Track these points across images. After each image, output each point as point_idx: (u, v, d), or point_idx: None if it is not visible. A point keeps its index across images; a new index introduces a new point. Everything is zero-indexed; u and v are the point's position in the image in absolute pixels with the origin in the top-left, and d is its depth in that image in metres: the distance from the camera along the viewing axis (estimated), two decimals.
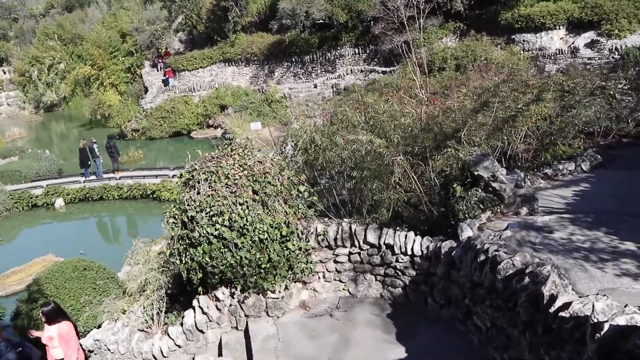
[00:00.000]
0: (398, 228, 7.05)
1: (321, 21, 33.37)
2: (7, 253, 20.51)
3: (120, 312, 8.66)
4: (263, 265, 6.81)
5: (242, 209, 6.62)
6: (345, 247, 7.24)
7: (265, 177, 6.98)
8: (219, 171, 6.80)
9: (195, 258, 6.73)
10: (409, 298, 7.00)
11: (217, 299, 7.28)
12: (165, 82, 38.30)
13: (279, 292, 7.26)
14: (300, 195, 7.48)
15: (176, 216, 6.81)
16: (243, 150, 7.27)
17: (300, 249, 7.12)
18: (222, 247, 6.66)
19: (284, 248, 6.96)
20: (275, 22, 34.33)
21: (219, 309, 7.33)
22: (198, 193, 6.66)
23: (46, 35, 57.42)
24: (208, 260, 6.65)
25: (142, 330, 8.34)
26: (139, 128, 35.40)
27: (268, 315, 7.28)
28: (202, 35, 41.08)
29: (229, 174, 6.80)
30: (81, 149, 25.09)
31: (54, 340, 7.55)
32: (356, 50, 33.38)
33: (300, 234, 7.26)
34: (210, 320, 7.33)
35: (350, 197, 8.44)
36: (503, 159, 9.12)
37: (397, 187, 7.31)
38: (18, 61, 57.49)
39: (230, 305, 7.36)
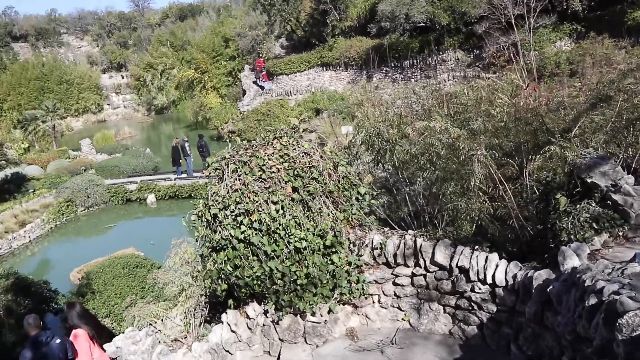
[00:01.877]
0: (477, 247, 5.37)
1: (422, 24, 31.53)
2: (99, 243, 21.11)
3: (154, 318, 7.76)
4: (299, 281, 5.48)
5: (275, 209, 5.34)
6: (408, 266, 5.69)
7: (310, 173, 5.65)
8: (252, 161, 5.58)
9: (217, 265, 5.56)
10: (485, 341, 5.29)
11: (248, 316, 6.05)
12: (261, 86, 38.60)
13: (321, 315, 5.87)
14: (360, 198, 6.06)
15: (201, 214, 5.68)
16: (287, 139, 6.00)
17: (349, 264, 5.70)
18: (250, 255, 5.42)
19: (328, 261, 5.58)
20: (374, 25, 33.04)
21: (250, 328, 6.09)
22: (226, 187, 5.49)
23: (160, 42, 60.83)
24: (230, 268, 5.44)
25: (176, 341, 7.37)
26: (235, 130, 35.79)
27: (306, 343, 5.91)
28: (301, 39, 40.90)
29: (264, 165, 5.56)
30: (174, 147, 25.48)
31: None
32: (459, 55, 31.10)
33: (351, 246, 5.83)
34: (239, 341, 6.11)
35: (426, 205, 6.88)
36: (627, 173, 7.04)
37: (480, 193, 5.64)
38: (134, 67, 61.47)
39: (264, 325, 6.09)
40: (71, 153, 37.43)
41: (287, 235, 5.33)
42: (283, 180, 5.51)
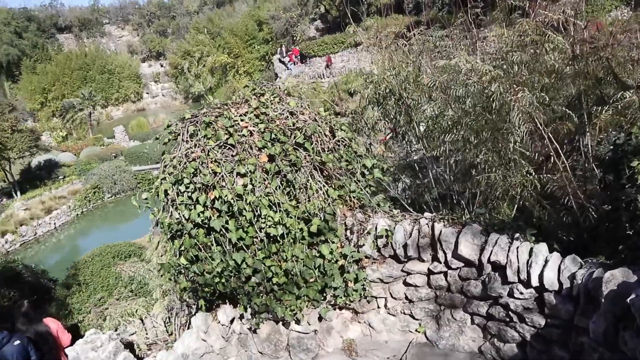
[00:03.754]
0: (518, 236, 3.88)
1: None
2: (123, 232, 20.45)
3: (129, 317, 6.63)
4: (276, 279, 4.14)
5: (242, 184, 4.01)
6: (423, 260, 4.25)
7: (294, 137, 4.28)
8: (217, 123, 4.25)
9: (170, 257, 4.30)
10: None
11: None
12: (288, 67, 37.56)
13: (309, 323, 4.52)
14: (367, 172, 4.67)
15: (156, 191, 4.40)
16: (268, 96, 4.64)
17: (344, 257, 4.31)
18: (212, 244, 4.12)
19: (315, 254, 4.22)
20: (411, 0, 31.16)
21: (224, 337, 4.81)
22: (180, 156, 4.18)
23: (197, 30, 60.37)
24: (185, 261, 4.16)
25: (155, 344, 6.23)
26: None
27: (290, 358, 4.58)
28: (335, 20, 39.35)
29: (232, 127, 4.22)
30: None
31: None
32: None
33: (348, 234, 4.44)
34: (211, 351, 4.84)
35: (453, 183, 5.43)
36: None
37: (522, 162, 4.13)
38: (172, 55, 61.32)
39: (240, 333, 4.81)
40: (105, 140, 37.41)
41: (257, 218, 4.00)
42: (256, 146, 4.16)
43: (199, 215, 3.95)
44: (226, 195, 3.91)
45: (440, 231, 4.11)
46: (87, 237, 22.29)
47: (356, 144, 4.90)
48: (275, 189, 4.06)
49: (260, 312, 4.43)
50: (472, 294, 4.06)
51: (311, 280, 4.28)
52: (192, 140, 4.18)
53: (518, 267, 3.70)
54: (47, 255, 20.78)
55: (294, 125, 4.37)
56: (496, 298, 3.90)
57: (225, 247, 4.08)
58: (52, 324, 6.23)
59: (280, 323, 4.57)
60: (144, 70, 64.63)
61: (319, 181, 4.32)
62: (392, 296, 4.49)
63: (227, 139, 4.15)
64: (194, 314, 5.21)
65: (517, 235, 3.90)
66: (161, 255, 5.62)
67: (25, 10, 64.43)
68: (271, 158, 4.15)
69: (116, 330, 6.57)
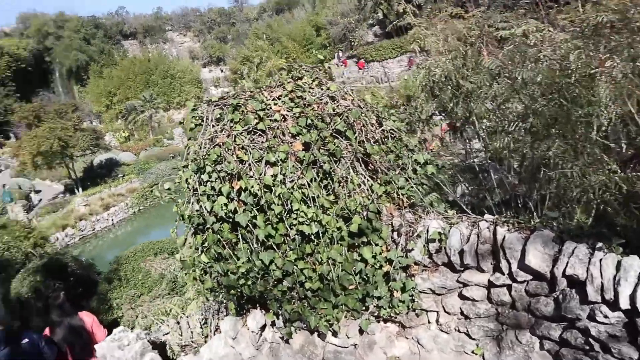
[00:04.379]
0: (601, 246, 3.17)
1: None
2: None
3: (162, 316, 6.29)
4: (309, 284, 3.62)
5: (272, 174, 3.52)
6: (483, 270, 3.60)
7: (333, 123, 3.76)
8: (247, 106, 3.79)
9: (191, 254, 3.86)
10: None
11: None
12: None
13: (347, 336, 3.96)
14: (418, 167, 4.09)
15: (180, 180, 3.99)
16: (307, 79, 4.15)
17: (390, 262, 3.73)
18: (239, 241, 3.66)
19: (355, 257, 3.67)
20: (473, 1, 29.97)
21: (254, 345, 4.34)
22: (204, 141, 3.74)
23: (256, 36, 61.20)
24: (207, 260, 3.71)
25: (187, 347, 5.87)
26: None
27: None
28: (394, 25, 38.61)
29: (264, 110, 3.75)
30: None
31: None
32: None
33: (395, 236, 3.85)
34: (240, 354, 4.38)
35: (519, 183, 4.74)
36: None
37: (605, 157, 3.42)
38: (232, 61, 62.42)
39: (272, 342, 4.32)
40: (165, 141, 38.29)
41: (288, 213, 3.50)
42: (289, 132, 3.67)
43: (222, 208, 3.49)
44: (252, 186, 3.43)
45: (504, 237, 3.46)
46: (142, 233, 22.62)
47: (407, 136, 4.32)
48: (310, 181, 3.55)
49: (293, 321, 3.92)
50: (542, 313, 3.38)
51: (350, 287, 3.73)
52: (217, 125, 3.73)
53: (602, 284, 3.00)
54: (105, 250, 21.21)
55: (334, 110, 3.85)
56: (573, 320, 3.21)
57: (252, 246, 3.60)
58: (87, 318, 5.99)
59: (316, 334, 4.04)
60: (205, 75, 66.14)
61: (362, 174, 3.77)
62: (445, 310, 3.86)
63: (256, 123, 3.68)
64: (223, 318, 4.78)
65: (599, 245, 3.20)
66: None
67: (94, 18, 67.63)
68: (306, 147, 3.64)
69: (148, 329, 6.26)
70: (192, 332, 6.39)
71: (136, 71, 59.84)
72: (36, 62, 58.38)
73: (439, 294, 3.83)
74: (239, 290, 3.76)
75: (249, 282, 3.67)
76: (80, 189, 27.29)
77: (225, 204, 3.49)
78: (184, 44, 74.16)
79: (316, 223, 3.49)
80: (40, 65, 59.44)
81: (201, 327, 6.34)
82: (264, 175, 3.49)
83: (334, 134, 3.76)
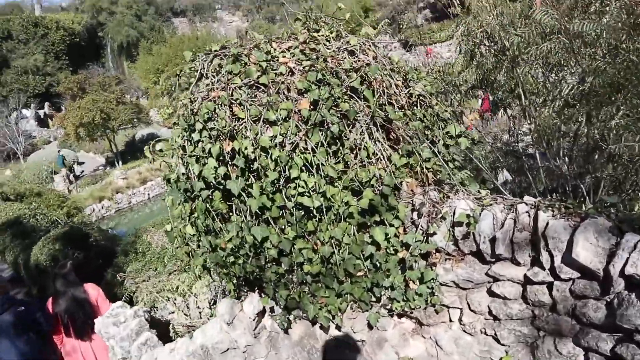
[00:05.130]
0: None
1: None
2: None
3: (173, 293, 5.92)
4: (308, 268, 3.09)
5: (271, 135, 2.98)
6: (519, 263, 2.96)
7: (349, 80, 3.18)
8: (249, 57, 3.25)
9: (177, 225, 3.39)
10: None
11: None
12: None
13: (353, 331, 3.41)
14: (450, 140, 3.48)
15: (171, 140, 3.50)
16: (325, 32, 3.57)
17: (406, 247, 3.14)
18: (232, 212, 3.15)
19: (366, 239, 3.11)
20: None
21: (252, 333, 3.85)
22: (196, 93, 3.23)
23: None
24: (191, 231, 3.23)
25: (192, 327, 5.50)
26: None
27: None
28: (445, 7, 37.18)
29: (269, 62, 3.21)
30: None
31: None
32: None
33: (414, 217, 3.25)
34: (235, 348, 3.91)
35: (570, 165, 4.06)
36: None
37: None
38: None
39: (271, 331, 3.82)
40: None
41: (287, 182, 2.96)
42: (296, 88, 3.11)
43: (211, 172, 2.99)
44: (246, 148, 2.90)
45: (547, 223, 2.81)
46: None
47: (439, 104, 3.69)
48: (316, 145, 2.99)
49: (290, 308, 3.40)
50: (590, 320, 2.73)
51: (358, 273, 3.17)
52: (215, 77, 3.21)
53: None
54: (139, 224, 21.34)
55: (351, 65, 3.26)
56: (630, 332, 2.55)
57: (246, 219, 3.08)
58: (92, 291, 5.69)
59: (317, 325, 3.52)
60: None
61: (380, 142, 3.19)
62: (470, 308, 3.25)
63: (258, 77, 3.14)
64: (220, 300, 4.34)
65: None
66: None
67: None
68: (314, 104, 3.08)
69: (153, 306, 5.90)
70: (200, 312, 6.02)
71: (184, 49, 60.03)
72: (89, 37, 59.65)
73: (463, 288, 3.22)
74: (229, 269, 3.26)
75: (240, 261, 3.16)
76: (120, 162, 27.64)
77: (215, 168, 2.98)
78: (233, 23, 74.17)
79: (319, 195, 2.94)
80: (93, 40, 60.69)
81: (209, 308, 5.96)
82: (261, 135, 2.96)
83: (348, 92, 3.18)
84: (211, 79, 3.16)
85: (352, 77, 3.15)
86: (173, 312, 5.92)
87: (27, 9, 59.03)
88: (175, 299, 6.00)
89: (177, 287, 5.89)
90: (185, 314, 5.92)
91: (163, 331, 5.49)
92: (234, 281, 3.73)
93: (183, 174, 3.13)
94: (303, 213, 3.07)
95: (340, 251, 3.09)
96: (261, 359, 3.90)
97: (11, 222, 10.47)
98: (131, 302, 6.47)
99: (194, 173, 3.07)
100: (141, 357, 4.51)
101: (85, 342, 5.57)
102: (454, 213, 3.10)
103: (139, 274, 6.51)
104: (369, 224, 3.12)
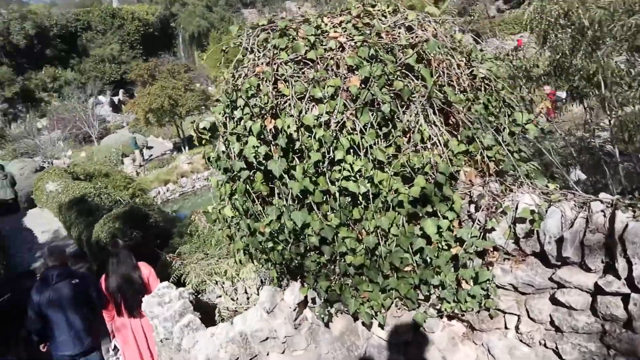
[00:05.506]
0: None
1: None
2: None
3: (221, 276, 5.87)
4: (350, 258, 2.86)
5: (316, 113, 2.77)
6: (589, 268, 2.60)
7: (404, 57, 2.91)
8: (297, 31, 3.05)
9: (216, 206, 3.26)
10: None
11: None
12: None
13: (396, 330, 3.16)
14: (516, 128, 3.15)
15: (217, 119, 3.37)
16: (381, 7, 3.31)
17: (460, 242, 2.84)
18: (268, 194, 2.98)
19: (416, 232, 2.84)
20: None
21: (293, 324, 3.68)
22: (240, 69, 3.07)
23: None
24: (229, 213, 3.08)
25: (237, 313, 5.42)
26: None
27: None
28: None
29: (319, 36, 2.99)
30: None
31: None
32: None
33: (471, 209, 2.95)
34: (275, 337, 3.76)
35: None
36: None
37: None
38: None
39: (312, 323, 3.64)
40: None
41: (331, 164, 2.75)
42: (346, 64, 2.88)
43: (251, 151, 2.82)
44: (289, 126, 2.71)
45: (627, 225, 2.43)
46: None
47: (506, 88, 3.35)
48: (365, 126, 2.75)
49: (331, 301, 3.19)
50: None
51: (405, 268, 2.91)
52: (260, 52, 3.04)
53: None
54: (200, 208, 21.85)
55: (408, 41, 2.99)
56: None
57: (288, 202, 2.90)
58: (144, 270, 5.75)
59: (360, 321, 3.29)
60: None
61: (436, 125, 2.90)
62: (529, 315, 2.91)
63: (306, 52, 2.93)
64: (262, 287, 4.20)
65: None
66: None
67: None
68: (365, 82, 2.83)
69: (200, 289, 5.88)
70: (247, 298, 5.94)
71: None
72: (162, 27, 61.78)
73: (523, 293, 2.89)
74: (265, 255, 3.09)
75: (279, 247, 2.99)
76: (186, 148, 28.42)
77: (256, 147, 2.81)
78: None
79: (365, 180, 2.71)
80: (166, 30, 62.83)
81: (257, 294, 5.86)
82: (306, 113, 2.75)
83: (403, 70, 2.91)
84: (256, 54, 2.99)
85: (407, 53, 2.88)
86: (220, 297, 5.87)
87: (106, 1, 61.87)
88: (223, 283, 5.95)
89: (226, 271, 5.83)
90: (232, 299, 5.86)
91: (209, 315, 5.46)
92: (277, 268, 3.58)
93: (223, 152, 2.99)
94: (348, 199, 2.85)
95: (387, 243, 2.84)
96: (301, 351, 3.72)
97: (77, 199, 10.92)
98: (180, 284, 6.48)
99: (234, 152, 2.91)
100: (182, 339, 4.46)
101: (136, 319, 5.64)
102: (517, 208, 2.77)
103: (189, 256, 6.51)
104: (420, 214, 2.85)
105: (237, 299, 5.91)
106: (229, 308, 5.68)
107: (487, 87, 3.30)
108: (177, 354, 4.55)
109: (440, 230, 2.81)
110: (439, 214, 2.82)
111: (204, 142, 3.48)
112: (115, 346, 5.78)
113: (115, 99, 44.85)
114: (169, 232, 10.12)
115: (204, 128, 3.33)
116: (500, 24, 33.11)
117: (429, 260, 2.87)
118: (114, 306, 5.61)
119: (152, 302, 4.89)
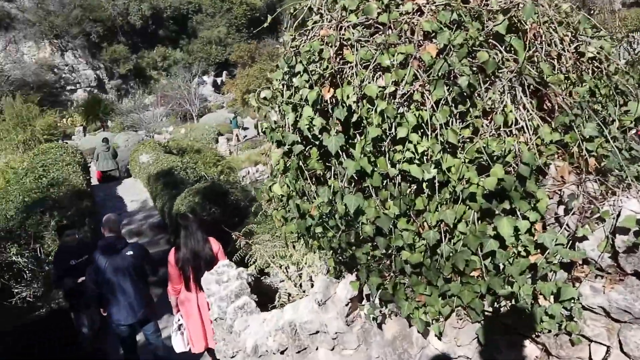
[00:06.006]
0: None
1: None
2: None
3: (286, 260, 5.69)
4: (407, 255, 2.48)
5: (382, 84, 2.41)
6: None
7: (493, 22, 2.46)
8: None
9: (267, 182, 3.00)
10: None
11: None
12: None
13: (456, 342, 2.73)
14: (628, 120, 2.60)
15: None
16: None
17: (542, 249, 2.36)
18: (324, 173, 2.68)
19: (488, 232, 2.40)
20: None
21: (345, 320, 3.37)
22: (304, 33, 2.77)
23: None
24: (279, 191, 2.81)
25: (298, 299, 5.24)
26: None
27: None
28: None
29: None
30: None
31: None
32: None
33: (559, 211, 2.44)
34: (325, 332, 3.48)
35: None
36: None
37: None
38: None
39: (365, 322, 3.30)
40: None
41: (393, 143, 2.38)
42: (422, 30, 2.48)
43: (306, 122, 2.52)
44: (348, 96, 2.37)
45: None
46: None
47: (622, 71, 2.78)
48: (437, 103, 2.35)
49: (385, 301, 2.84)
50: None
51: (472, 273, 2.49)
52: (327, 14, 2.71)
53: None
54: None
55: (500, 4, 2.52)
56: None
57: (341, 183, 2.57)
58: (214, 245, 5.71)
59: (415, 327, 2.90)
60: None
61: (527, 108, 2.42)
62: (621, 349, 2.37)
63: (378, 14, 2.56)
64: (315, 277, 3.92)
65: None
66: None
67: None
68: (440, 53, 2.42)
69: (263, 271, 5.73)
70: (312, 285, 5.71)
71: None
72: (268, 12, 63.32)
73: (616, 320, 2.35)
74: (311, 239, 2.79)
75: (329, 234, 2.67)
76: None
77: (311, 118, 2.51)
78: None
79: (431, 165, 2.31)
80: (272, 14, 64.38)
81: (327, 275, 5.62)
82: (370, 83, 2.40)
83: (490, 40, 2.46)
84: (321, 16, 2.67)
85: (496, 19, 2.42)
86: (283, 281, 5.69)
87: None
88: (287, 267, 5.77)
89: (291, 255, 5.63)
90: (295, 285, 5.66)
91: (271, 300, 5.29)
92: (334, 257, 3.28)
93: (275, 122, 2.72)
94: (412, 186, 2.47)
95: (452, 241, 2.43)
96: (351, 350, 3.41)
97: (165, 172, 11.31)
98: (244, 264, 6.39)
99: (288, 122, 2.63)
100: (235, 321, 4.31)
101: (203, 293, 5.61)
102: (618, 215, 2.24)
103: (256, 236, 6.39)
104: (494, 211, 2.40)
105: (301, 285, 5.70)
106: (292, 294, 5.48)
107: (596, 69, 2.75)
108: (228, 335, 4.42)
109: (518, 232, 2.35)
110: (518, 213, 2.36)
111: (256, 109, 3.22)
112: (179, 320, 5.78)
113: (218, 79, 46.68)
114: (248, 211, 10.17)
115: (265, 98, 3.07)
116: (622, 19, 30.15)
117: (500, 266, 2.42)
118: (183, 279, 5.59)
119: (210, 279, 4.79)
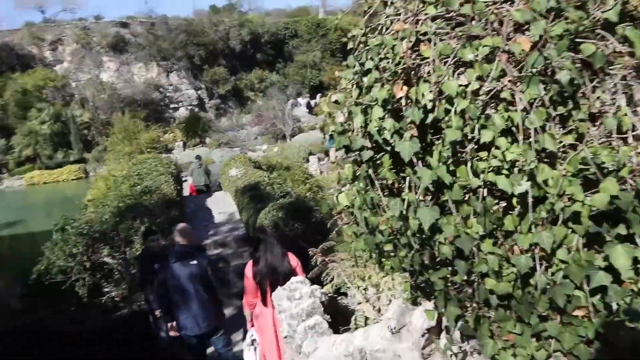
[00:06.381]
0: None
1: None
2: None
3: (360, 280, 5.38)
4: (491, 284, 2.08)
5: (463, 82, 2.06)
6: None
7: (601, 10, 2.04)
8: None
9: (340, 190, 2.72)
10: None
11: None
12: None
13: None
14: None
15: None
16: None
17: (617, 283, 1.87)
18: (397, 184, 2.36)
19: (597, 262, 1.95)
20: None
21: (422, 352, 2.99)
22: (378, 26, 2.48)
23: None
24: (345, 201, 2.51)
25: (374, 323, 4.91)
26: None
27: None
28: None
29: None
30: None
31: None
32: None
33: None
34: (399, 356, 3.12)
35: None
36: None
37: None
38: None
39: (444, 357, 2.90)
40: None
41: (475, 149, 2.02)
42: (512, 21, 2.11)
43: (376, 125, 2.23)
44: (423, 95, 2.06)
45: None
46: None
47: None
48: (530, 103, 1.96)
49: (468, 336, 2.44)
50: None
51: (576, 312, 2.03)
52: (402, 7, 2.42)
53: None
54: None
55: None
56: None
57: (417, 196, 2.24)
58: (293, 261, 5.56)
59: (489, 349, 2.46)
60: None
61: None
62: None
63: (461, 4, 2.23)
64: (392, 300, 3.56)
65: None
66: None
67: None
68: (534, 47, 2.03)
69: (339, 291, 5.44)
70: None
71: None
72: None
73: None
74: (381, 256, 2.47)
75: (401, 253, 2.34)
76: None
77: (381, 120, 2.21)
78: None
79: (524, 176, 1.92)
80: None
81: (405, 298, 5.23)
82: (449, 79, 2.07)
83: (597, 30, 2.04)
84: (396, 9, 2.39)
85: (607, 6, 2.00)
86: (360, 303, 5.36)
87: (313, 12, 66.13)
88: (365, 289, 5.44)
89: (370, 276, 5.30)
90: (373, 307, 5.31)
91: (345, 320, 5.00)
92: (410, 280, 2.93)
93: (341, 124, 2.45)
94: (501, 202, 2.09)
95: (549, 270, 2.01)
96: None
97: (252, 186, 11.46)
98: (318, 282, 6.14)
99: (358, 125, 2.35)
100: (304, 341, 4.05)
101: None
102: None
103: (334, 254, 6.14)
104: (605, 237, 1.95)
105: (379, 309, 5.34)
106: (369, 318, 5.14)
107: None
108: (297, 356, 4.17)
109: (638, 264, 1.88)
110: (638, 240, 1.89)
111: (328, 115, 2.99)
112: (253, 334, 5.64)
113: (312, 101, 47.59)
114: (332, 229, 9.96)
115: (336, 101, 2.82)
116: None
117: (614, 305, 1.95)
118: (259, 293, 5.46)
119: (281, 294, 4.59)
